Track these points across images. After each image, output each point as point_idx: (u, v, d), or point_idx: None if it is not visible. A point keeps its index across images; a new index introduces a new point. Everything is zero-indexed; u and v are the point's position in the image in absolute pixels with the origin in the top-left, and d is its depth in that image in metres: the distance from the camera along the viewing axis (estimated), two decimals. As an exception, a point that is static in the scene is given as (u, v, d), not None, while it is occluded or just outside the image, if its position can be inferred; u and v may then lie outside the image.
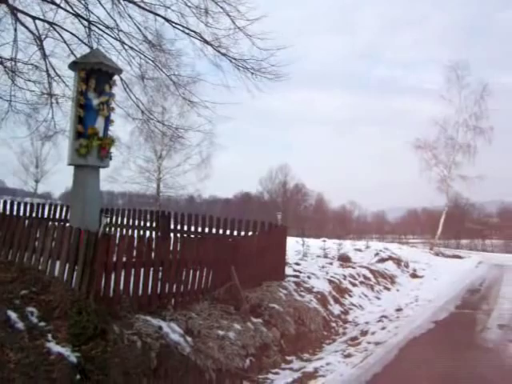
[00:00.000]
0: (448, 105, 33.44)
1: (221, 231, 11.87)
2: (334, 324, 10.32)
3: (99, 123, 8.79)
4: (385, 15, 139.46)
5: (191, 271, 7.99)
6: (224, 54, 10.89)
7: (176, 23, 10.63)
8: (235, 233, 11.57)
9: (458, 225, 74.29)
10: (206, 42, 10.76)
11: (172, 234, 11.93)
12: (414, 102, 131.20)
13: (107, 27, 10.83)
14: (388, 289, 14.83)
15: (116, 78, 9.49)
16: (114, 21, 10.73)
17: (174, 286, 7.65)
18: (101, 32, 10.91)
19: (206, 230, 12.20)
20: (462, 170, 33.71)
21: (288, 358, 8.00)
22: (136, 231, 12.98)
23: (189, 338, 6.66)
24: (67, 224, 8.62)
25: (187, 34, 10.76)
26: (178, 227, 12.60)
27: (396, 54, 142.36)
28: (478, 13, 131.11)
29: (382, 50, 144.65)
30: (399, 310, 11.86)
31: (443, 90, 33.74)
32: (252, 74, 10.94)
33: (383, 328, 9.97)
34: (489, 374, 7.11)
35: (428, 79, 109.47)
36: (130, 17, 10.68)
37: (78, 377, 5.12)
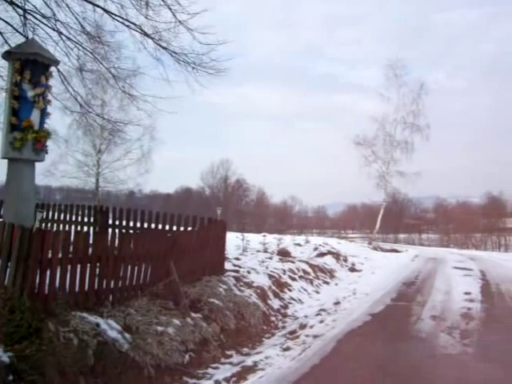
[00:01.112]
0: (387, 102, 34.21)
1: (160, 226, 11.78)
2: (273, 318, 10.40)
3: (35, 116, 8.53)
4: (326, 12, 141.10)
5: (129, 267, 7.88)
6: (165, 48, 10.78)
7: (116, 15, 10.43)
8: (175, 228, 11.51)
9: (396, 220, 76.27)
10: (146, 34, 10.62)
11: (110, 230, 11.75)
12: (355, 98, 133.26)
13: (44, 16, 10.51)
14: (327, 283, 15.06)
15: (53, 69, 9.21)
16: (51, 10, 10.41)
17: (112, 282, 7.54)
18: (37, 21, 10.56)
19: (146, 225, 12.07)
20: (400, 167, 34.61)
21: (228, 352, 8.02)
22: (73, 227, 12.73)
23: (127, 335, 6.59)
24: (0, 219, 8.37)
25: (127, 26, 10.58)
26: (117, 222, 12.43)
27: (337, 50, 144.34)
28: (416, 13, 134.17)
29: (323, 46, 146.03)
30: (337, 303, 12.06)
31: (382, 88, 34.51)
32: (193, 68, 10.88)
33: (321, 321, 10.12)
34: (421, 363, 7.37)
35: (368, 77, 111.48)
36: (68, 6, 10.40)
37: (11, 377, 4.98)
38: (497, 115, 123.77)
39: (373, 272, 18.24)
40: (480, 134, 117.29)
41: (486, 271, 18.63)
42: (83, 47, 10.91)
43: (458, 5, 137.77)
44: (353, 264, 19.29)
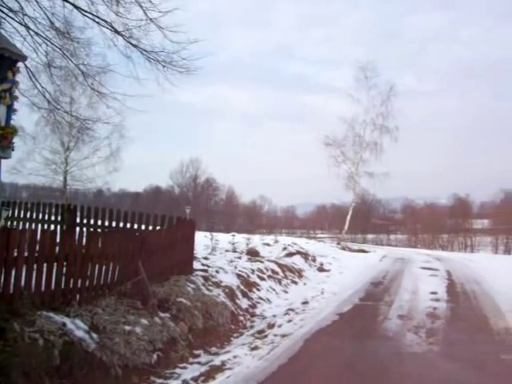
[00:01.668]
0: (356, 104, 34.61)
1: (129, 225, 11.69)
2: (241, 318, 10.40)
3: (1, 112, 8.41)
4: (298, 12, 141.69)
5: (97, 266, 7.80)
6: (135, 46, 10.71)
7: (85, 11, 10.32)
8: (143, 227, 11.44)
9: (364, 220, 76.97)
10: (116, 32, 10.53)
11: (78, 228, 11.62)
12: (325, 99, 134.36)
13: (11, 10, 10.33)
14: (295, 282, 15.12)
15: (20, 64, 9.09)
16: (19, 4, 10.26)
17: (80, 281, 7.44)
18: (3, 15, 10.38)
19: (114, 224, 11.96)
20: (369, 168, 35.06)
21: (196, 352, 7.99)
22: (40, 225, 12.54)
23: (94, 334, 6.52)
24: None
25: (97, 22, 10.48)
26: (85, 221, 12.30)
27: (308, 51, 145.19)
28: (387, 16, 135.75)
29: (294, 46, 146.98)
30: (305, 302, 12.12)
31: (352, 90, 34.84)
32: (163, 66, 10.84)
33: (290, 321, 10.16)
34: (388, 361, 7.46)
35: (338, 78, 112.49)
36: (37, 1, 10.28)
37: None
38: (464, 118, 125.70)
39: (341, 272, 18.37)
40: (448, 137, 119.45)
41: (451, 271, 18.94)
42: (52, 43, 10.78)
43: (428, 8, 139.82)
44: (321, 264, 19.41)
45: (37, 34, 10.53)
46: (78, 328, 6.39)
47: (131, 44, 10.65)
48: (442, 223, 76.92)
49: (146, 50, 10.72)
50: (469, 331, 9.53)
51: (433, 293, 13.54)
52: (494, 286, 15.08)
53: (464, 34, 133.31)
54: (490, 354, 7.91)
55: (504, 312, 11.20)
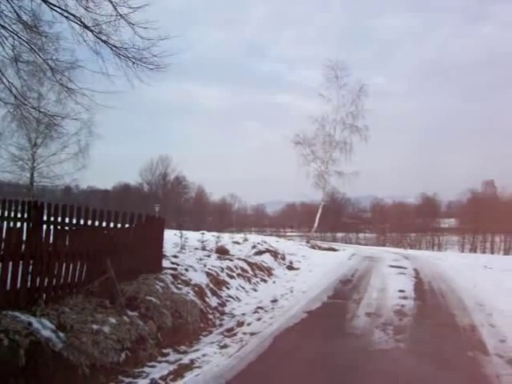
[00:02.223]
0: (327, 103, 34.81)
1: (97, 223, 11.56)
2: (211, 316, 10.38)
3: (-35, 107, 8.22)
4: (270, 11, 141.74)
5: (64, 264, 7.70)
6: (105, 41, 10.55)
7: (54, 5, 10.10)
8: (112, 225, 11.33)
9: (334, 219, 77.63)
10: (85, 27, 10.35)
11: (45, 226, 11.44)
12: (296, 98, 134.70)
13: (-25, 3, 10.11)
14: (265, 281, 15.16)
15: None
16: (-17, -4, 10.04)
17: (46, 280, 7.34)
18: (-33, 7, 10.16)
19: (82, 221, 11.82)
20: (339, 167, 35.32)
21: (165, 350, 7.95)
22: (5, 223, 12.31)
23: (61, 334, 6.43)
24: None
25: (66, 17, 10.27)
26: (52, 219, 12.12)
27: (280, 50, 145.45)
28: (358, 16, 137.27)
29: (266, 45, 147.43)
30: (275, 301, 12.16)
31: (322, 89, 35.01)
32: (133, 63, 10.71)
33: (259, 319, 10.18)
34: (356, 359, 7.54)
35: (309, 77, 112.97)
36: (3, -7, 10.06)
37: None
38: (432, 118, 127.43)
39: (310, 270, 18.47)
40: (416, 137, 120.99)
41: (419, 270, 19.18)
42: (19, 37, 10.54)
43: (397, 10, 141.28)
44: (291, 262, 19.50)
45: (3, 27, 10.28)
46: (44, 327, 6.30)
47: (101, 40, 10.49)
48: (410, 222, 77.98)
49: (115, 46, 10.57)
50: (435, 328, 9.66)
51: (401, 291, 13.69)
52: (460, 284, 15.35)
53: (432, 36, 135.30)
54: (457, 351, 8.05)
55: (469, 309, 11.41)
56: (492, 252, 66.90)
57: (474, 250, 68.77)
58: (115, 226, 11.22)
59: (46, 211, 12.22)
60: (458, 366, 7.29)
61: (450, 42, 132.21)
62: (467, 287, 14.63)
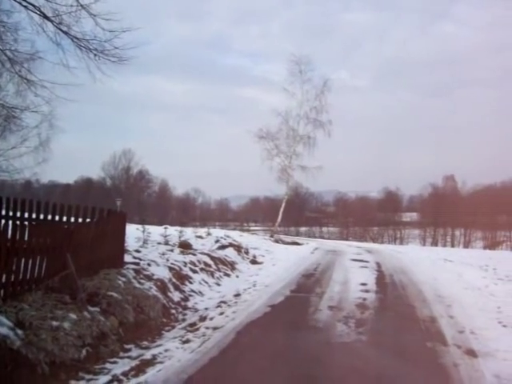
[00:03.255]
0: (291, 97, 34.85)
1: (57, 218, 11.38)
2: (173, 311, 10.35)
3: None
4: (234, 5, 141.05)
5: (23, 260, 7.56)
6: (65, 32, 10.37)
7: (12, -6, 9.92)
8: (73, 219, 11.17)
9: (297, 213, 78.04)
10: (45, 17, 10.15)
11: (3, 221, 11.21)
12: (260, 92, 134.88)
13: None
14: (228, 275, 15.16)
15: None
16: None
17: (4, 276, 7.20)
18: None
19: (42, 216, 11.62)
20: (302, 161, 35.39)
21: (126, 346, 7.89)
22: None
23: (19, 331, 6.32)
24: None
25: (25, 6, 10.06)
26: (11, 213, 11.87)
27: (245, 44, 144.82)
28: (323, 12, 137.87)
29: (231, 39, 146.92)
30: (238, 295, 12.17)
31: (286, 83, 35.05)
32: (95, 55, 10.56)
33: (222, 313, 10.18)
34: (319, 351, 7.63)
35: (273, 71, 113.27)
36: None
37: None
38: (394, 114, 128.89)
39: (274, 264, 18.55)
40: (379, 132, 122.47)
41: (381, 263, 19.41)
42: (-25, 26, 10.31)
43: (361, 7, 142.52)
44: (254, 256, 19.55)
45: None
46: (1, 325, 6.18)
47: (61, 31, 10.30)
48: (372, 216, 78.97)
49: (76, 38, 10.40)
50: (396, 320, 9.82)
51: (363, 284, 13.84)
52: (421, 277, 15.62)
53: (395, 33, 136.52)
54: (416, 342, 8.20)
55: (429, 301, 11.63)
56: (452, 245, 68.22)
57: (435, 243, 69.96)
58: (76, 220, 11.07)
59: (4, 206, 11.97)
60: (417, 357, 7.42)
61: (411, 40, 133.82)
62: (427, 280, 14.89)
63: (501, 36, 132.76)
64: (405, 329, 9.14)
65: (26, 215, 11.78)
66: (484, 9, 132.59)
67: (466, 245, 69.57)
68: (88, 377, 6.48)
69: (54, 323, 6.86)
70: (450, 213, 68.53)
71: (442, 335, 8.67)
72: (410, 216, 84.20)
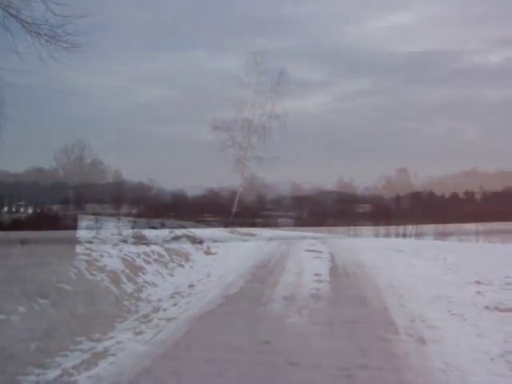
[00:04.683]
0: (246, 88, 34.71)
1: (6, 209, 11.11)
2: (126, 302, 10.20)
3: None
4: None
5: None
6: (14, 16, 10.06)
7: (-45, -26, 9.56)
8: (22, 210, 10.93)
9: (253, 204, 77.99)
10: (-8, -1, 9.84)
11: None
12: (215, 83, 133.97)
13: None
14: (182, 266, 15.08)
15: None
16: None
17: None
18: None
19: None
20: (258, 152, 35.38)
21: (78, 339, 7.70)
22: None
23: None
24: None
25: (-31, -13, 9.75)
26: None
27: (201, 35, 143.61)
28: (280, 3, 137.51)
29: (184, 28, 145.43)
30: (192, 286, 12.12)
31: (242, 74, 34.89)
32: (46, 41, 10.29)
33: (175, 304, 10.12)
34: (271, 341, 7.62)
35: (229, 61, 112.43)
36: None
37: None
38: (346, 108, 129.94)
39: (228, 255, 18.46)
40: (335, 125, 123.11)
41: (335, 254, 19.49)
42: None
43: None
44: (208, 247, 19.46)
45: None
46: None
47: (9, 14, 9.98)
48: (328, 207, 79.67)
49: (26, 22, 10.10)
50: (349, 310, 9.88)
51: (316, 274, 13.92)
52: (374, 267, 15.78)
53: (352, 26, 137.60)
54: (369, 332, 8.27)
55: (382, 291, 11.77)
56: (404, 237, 69.36)
57: (387, 235, 71.00)
58: (26, 211, 10.84)
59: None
60: (369, 346, 7.49)
61: (368, 33, 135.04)
62: (380, 271, 15.07)
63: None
64: (357, 318, 9.12)
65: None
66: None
67: (418, 236, 70.83)
68: (37, 371, 6.31)
69: (1, 316, 6.72)
70: (401, 205, 69.65)
71: (394, 325, 8.75)
72: (364, 207, 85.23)
